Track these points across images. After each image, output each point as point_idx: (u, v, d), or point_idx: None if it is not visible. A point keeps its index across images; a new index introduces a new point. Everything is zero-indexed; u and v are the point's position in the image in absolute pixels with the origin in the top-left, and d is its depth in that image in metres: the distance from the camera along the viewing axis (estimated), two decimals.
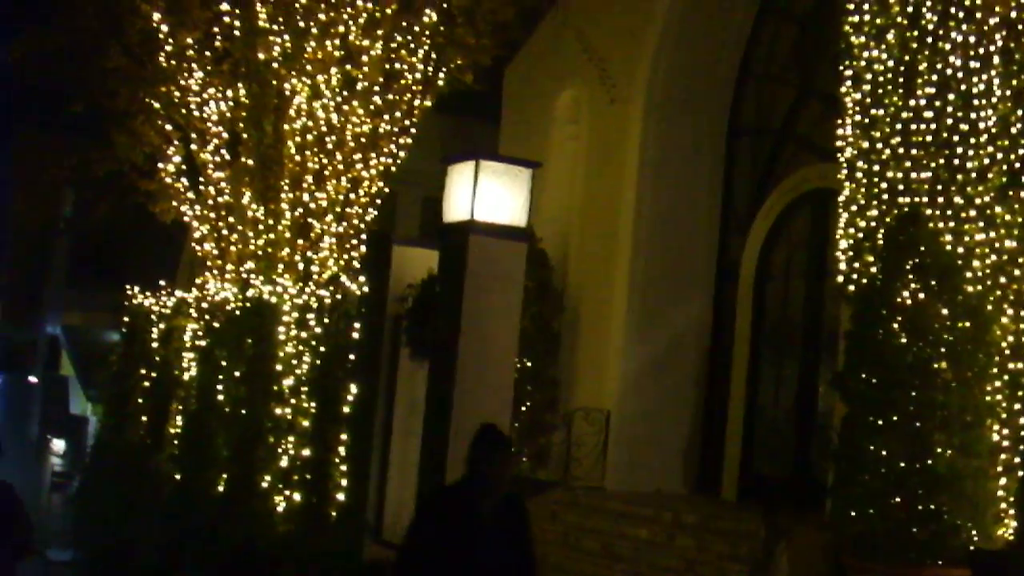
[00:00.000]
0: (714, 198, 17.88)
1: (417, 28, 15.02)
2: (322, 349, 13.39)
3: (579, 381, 17.71)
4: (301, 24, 14.91)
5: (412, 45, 15.05)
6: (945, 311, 10.20)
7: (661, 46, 17.43)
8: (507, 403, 9.96)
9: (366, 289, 13.03)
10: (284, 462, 13.43)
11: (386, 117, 15.04)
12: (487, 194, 9.65)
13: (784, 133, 17.39)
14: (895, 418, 10.01)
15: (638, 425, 17.04)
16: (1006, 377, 10.05)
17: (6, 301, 44.37)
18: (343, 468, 12.93)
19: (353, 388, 12.92)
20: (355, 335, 13.04)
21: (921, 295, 10.30)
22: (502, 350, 9.84)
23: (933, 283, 10.34)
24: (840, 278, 11.32)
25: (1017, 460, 9.86)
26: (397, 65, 15.07)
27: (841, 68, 11.72)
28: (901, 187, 10.94)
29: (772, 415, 16.69)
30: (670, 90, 17.53)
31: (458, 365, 9.64)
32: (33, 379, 38.24)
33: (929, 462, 9.85)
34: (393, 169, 15.22)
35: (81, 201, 27.76)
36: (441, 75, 15.24)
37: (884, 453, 10.00)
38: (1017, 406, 9.90)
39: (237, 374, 14.43)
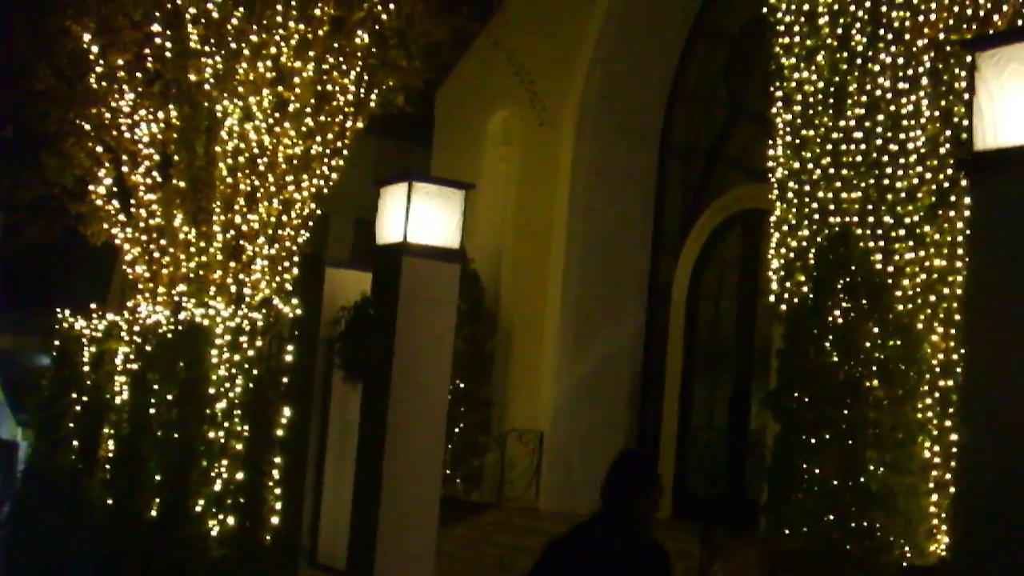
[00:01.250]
0: (646, 219, 17.83)
1: (349, 49, 14.94)
2: (255, 372, 13.25)
3: (512, 402, 17.63)
4: (233, 45, 14.81)
5: (344, 67, 14.97)
6: (876, 329, 10.23)
7: (591, 68, 17.38)
8: (441, 425, 9.83)
9: (299, 312, 12.90)
10: (218, 486, 13.27)
11: (318, 139, 14.95)
12: (420, 216, 9.55)
13: (715, 154, 17.44)
14: (827, 436, 10.05)
15: (572, 445, 16.93)
16: (936, 394, 10.10)
17: None
18: (277, 491, 12.77)
19: (287, 411, 12.77)
20: (288, 358, 12.91)
21: (852, 314, 10.36)
22: (436, 372, 9.72)
23: (864, 302, 10.42)
24: (772, 298, 11.35)
25: (948, 477, 9.88)
26: (329, 87, 14.99)
27: (771, 89, 11.77)
28: (831, 207, 11.00)
29: (705, 435, 16.66)
30: (601, 111, 17.48)
31: (392, 387, 9.52)
32: None
33: (862, 479, 9.88)
34: (325, 191, 15.13)
35: (11, 224, 27.32)
36: (373, 97, 15.18)
37: (817, 471, 10.04)
38: (948, 423, 9.93)
39: (170, 397, 14.27)
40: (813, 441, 10.06)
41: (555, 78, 17.46)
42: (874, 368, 10.12)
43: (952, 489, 9.68)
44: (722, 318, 16.83)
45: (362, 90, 15.03)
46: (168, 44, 15.26)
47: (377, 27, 14.94)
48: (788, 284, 11.14)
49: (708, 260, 17.07)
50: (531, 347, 17.52)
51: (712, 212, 16.95)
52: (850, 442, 9.94)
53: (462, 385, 16.72)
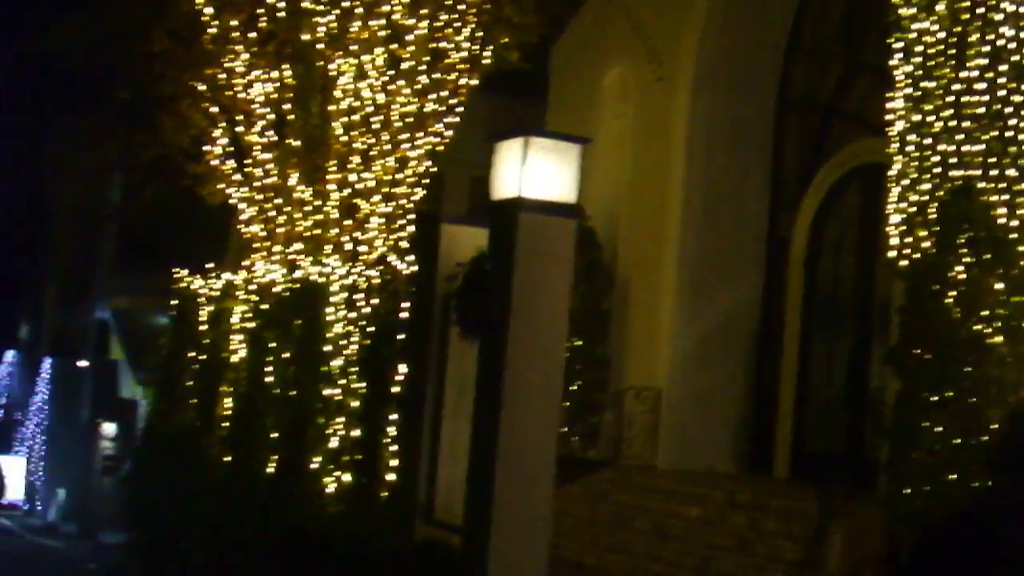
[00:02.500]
0: (763, 174, 17.77)
1: (462, 6, 15.02)
2: (371, 329, 13.43)
3: (630, 360, 17.69)
4: (345, 4, 14.96)
5: (457, 24, 15.06)
6: (999, 285, 10.15)
7: (708, 23, 17.35)
8: (558, 382, 9.89)
9: (415, 269, 13.06)
10: (334, 443, 13.48)
11: (432, 97, 15.07)
12: (536, 171, 9.57)
13: (833, 108, 17.26)
14: (950, 393, 9.99)
15: (689, 404, 17.01)
16: None
17: (56, 287, 44.75)
18: (393, 449, 12.96)
19: (402, 368, 12.95)
20: (404, 315, 13.07)
21: (975, 269, 10.28)
22: (553, 328, 9.76)
23: (987, 257, 10.31)
24: (892, 253, 11.28)
25: None
26: (442, 44, 15.09)
27: (891, 41, 11.67)
28: (953, 160, 10.90)
29: (824, 393, 16.58)
30: (718, 67, 17.45)
31: (508, 344, 9.60)
32: (83, 363, 38.58)
33: (984, 438, 9.83)
34: (440, 149, 15.26)
35: (128, 186, 27.93)
36: (487, 54, 15.25)
37: (939, 429, 10.00)
38: None
39: (286, 355, 14.50)
40: (935, 399, 10.02)
41: (670, 33, 17.44)
42: (997, 324, 10.05)
43: None
44: (841, 275, 16.70)
45: (475, 47, 15.11)
46: (281, 3, 15.46)
47: None
48: (909, 240, 11.07)
49: (827, 216, 16.95)
50: (648, 305, 17.58)
51: (830, 167, 16.83)
52: (972, 400, 9.89)
53: (579, 343, 16.81)
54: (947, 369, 10.06)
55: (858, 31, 16.93)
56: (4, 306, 48.01)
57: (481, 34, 15.12)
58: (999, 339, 10.02)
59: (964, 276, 10.32)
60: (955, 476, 9.92)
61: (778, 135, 17.83)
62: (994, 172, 10.59)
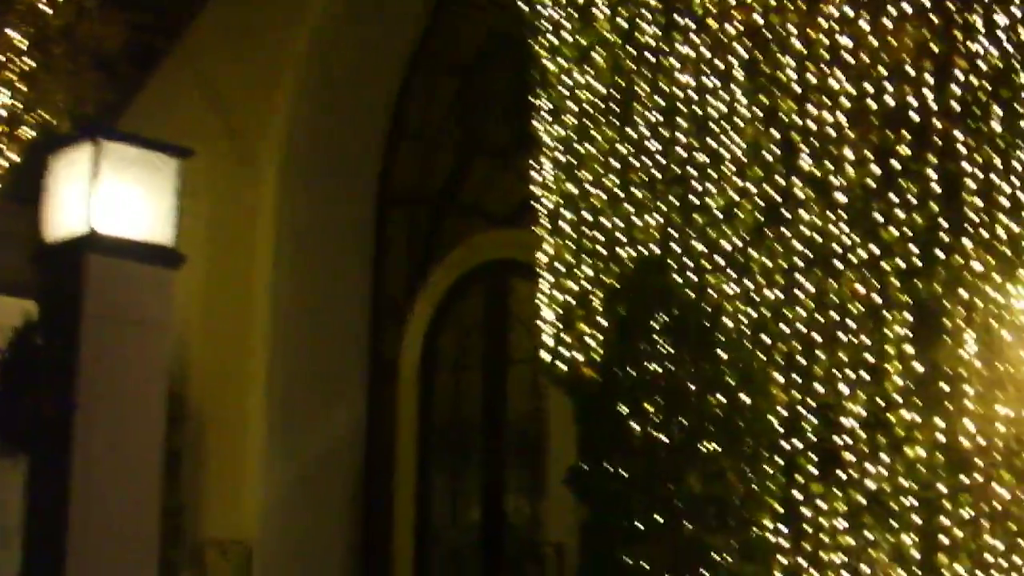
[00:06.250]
0: (366, 280, 16.17)
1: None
2: None
3: (209, 507, 15.52)
4: None
5: None
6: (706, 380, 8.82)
7: (298, 99, 15.74)
8: (153, 512, 7.37)
9: None
10: None
11: None
12: (113, 194, 7.06)
13: (446, 199, 15.89)
14: (658, 519, 8.44)
15: (287, 559, 15.01)
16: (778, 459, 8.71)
17: None
18: None
19: None
20: None
21: (672, 365, 8.92)
22: (142, 431, 7.14)
23: (682, 349, 8.99)
24: (547, 356, 10.10)
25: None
26: None
27: (535, 101, 10.62)
28: (623, 238, 9.84)
29: (451, 537, 15.13)
30: (310, 153, 15.84)
31: (74, 455, 6.99)
32: None
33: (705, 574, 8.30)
34: None
35: None
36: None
37: (648, 566, 8.39)
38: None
39: None
40: (642, 527, 8.43)
41: (255, 112, 15.69)
42: (710, 428, 8.65)
43: None
44: (464, 393, 15.38)
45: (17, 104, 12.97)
46: None
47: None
48: (568, 339, 9.99)
49: (443, 326, 15.58)
50: (230, 440, 15.51)
51: (445, 268, 15.49)
52: (689, 525, 8.37)
53: None
54: (653, 488, 8.51)
55: (473, 112, 15.80)
56: None
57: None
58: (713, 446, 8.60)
59: (660, 371, 8.90)
60: None
61: (381, 234, 16.26)
62: (677, 248, 9.48)
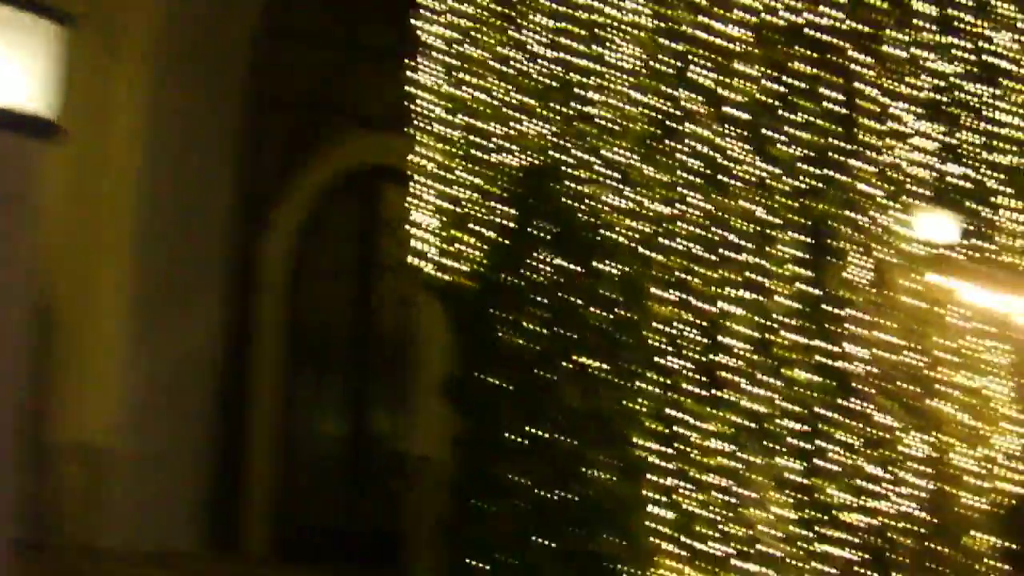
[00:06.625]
0: (233, 181, 15.52)
1: None
2: None
3: (64, 409, 14.87)
4: None
5: None
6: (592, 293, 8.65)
7: None
8: (13, 408, 6.57)
9: None
10: None
11: None
12: None
13: (321, 101, 15.40)
14: (537, 433, 8.26)
15: (140, 466, 14.40)
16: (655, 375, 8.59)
17: None
18: None
19: None
20: None
21: (559, 275, 8.73)
22: (5, 319, 6.14)
23: (567, 260, 8.81)
24: (419, 263, 9.82)
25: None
26: None
27: (421, 2, 10.23)
28: (512, 146, 9.55)
29: (315, 447, 14.74)
30: (179, 45, 15.08)
31: None
32: None
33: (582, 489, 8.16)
34: None
35: None
36: None
37: (523, 480, 8.22)
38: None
39: None
40: (519, 440, 8.24)
41: (122, 3, 14.93)
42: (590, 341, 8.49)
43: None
44: (333, 301, 14.99)
45: None
46: None
47: None
48: (452, 247, 9.69)
49: (313, 231, 15.12)
50: (85, 338, 14.82)
51: (319, 172, 15.02)
52: (568, 440, 8.20)
53: None
54: (534, 400, 8.32)
55: (355, 8, 15.19)
56: None
57: None
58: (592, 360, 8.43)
59: (545, 283, 8.69)
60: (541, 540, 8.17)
61: (251, 135, 15.64)
62: (566, 157, 9.21)
